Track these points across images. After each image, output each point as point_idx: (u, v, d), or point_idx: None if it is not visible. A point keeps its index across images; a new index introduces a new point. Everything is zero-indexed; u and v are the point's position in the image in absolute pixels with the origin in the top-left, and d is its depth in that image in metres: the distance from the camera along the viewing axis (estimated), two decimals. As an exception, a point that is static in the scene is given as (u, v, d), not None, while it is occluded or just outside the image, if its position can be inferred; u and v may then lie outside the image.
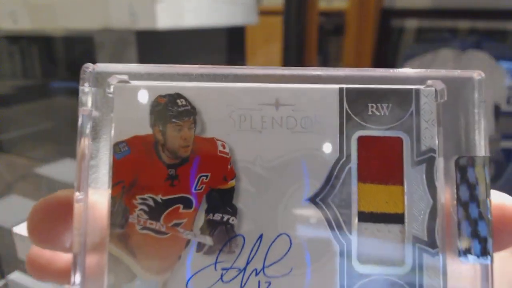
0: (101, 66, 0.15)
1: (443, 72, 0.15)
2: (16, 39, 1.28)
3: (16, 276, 0.67)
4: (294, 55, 1.42)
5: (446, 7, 1.65)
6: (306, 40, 1.43)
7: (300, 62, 1.44)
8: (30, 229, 0.14)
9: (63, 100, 1.32)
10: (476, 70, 0.15)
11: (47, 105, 1.31)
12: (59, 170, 0.95)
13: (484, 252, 0.14)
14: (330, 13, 1.78)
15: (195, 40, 1.14)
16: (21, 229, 0.67)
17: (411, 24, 1.74)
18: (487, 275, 0.15)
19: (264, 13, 1.48)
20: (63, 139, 1.22)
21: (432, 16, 1.70)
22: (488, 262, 0.14)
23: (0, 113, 1.24)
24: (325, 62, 1.91)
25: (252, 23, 1.28)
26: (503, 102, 1.51)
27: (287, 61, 1.43)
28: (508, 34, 1.60)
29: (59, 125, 1.28)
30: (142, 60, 0.97)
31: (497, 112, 1.54)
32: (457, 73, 0.15)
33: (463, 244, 0.14)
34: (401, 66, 1.81)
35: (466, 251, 0.14)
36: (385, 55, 1.78)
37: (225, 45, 1.28)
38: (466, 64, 1.57)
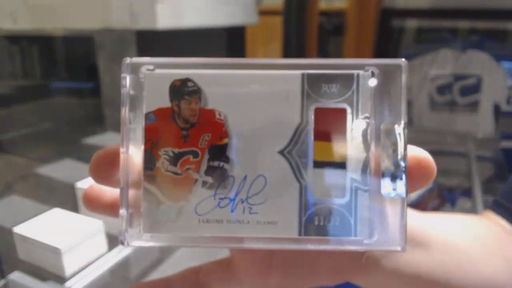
0: (134, 59, 0.21)
1: (377, 60, 0.20)
2: (16, 39, 1.29)
3: (16, 276, 0.67)
4: (294, 55, 1.42)
5: (446, 7, 1.65)
6: (306, 40, 1.43)
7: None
8: (92, 170, 0.20)
9: (63, 100, 1.32)
10: (402, 59, 0.20)
11: (47, 105, 1.32)
12: (59, 170, 0.95)
13: (400, 189, 0.20)
14: (330, 13, 1.78)
15: (195, 40, 1.14)
16: (21, 229, 0.68)
17: (411, 24, 1.74)
18: (402, 206, 0.20)
19: (264, 13, 1.48)
20: (63, 139, 1.22)
21: (432, 16, 1.70)
22: (403, 196, 0.19)
23: (0, 113, 1.24)
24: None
25: (252, 23, 1.28)
26: (503, 102, 1.51)
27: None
28: (508, 34, 1.60)
29: (59, 125, 1.28)
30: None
31: (497, 112, 1.54)
32: (388, 61, 0.20)
33: (385, 183, 0.20)
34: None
35: (387, 188, 0.20)
36: (385, 55, 1.78)
37: (225, 45, 1.28)
38: (466, 64, 1.57)
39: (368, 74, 0.20)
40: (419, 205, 1.11)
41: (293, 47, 1.40)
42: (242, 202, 0.20)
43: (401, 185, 0.20)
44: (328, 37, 1.83)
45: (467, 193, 1.46)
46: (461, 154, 1.47)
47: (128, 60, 0.20)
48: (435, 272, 0.27)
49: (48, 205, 0.77)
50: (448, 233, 0.29)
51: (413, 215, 0.27)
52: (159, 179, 0.20)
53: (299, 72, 0.20)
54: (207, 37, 1.17)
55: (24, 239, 0.67)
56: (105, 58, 1.02)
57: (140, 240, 0.20)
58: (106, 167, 0.20)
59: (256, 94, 0.20)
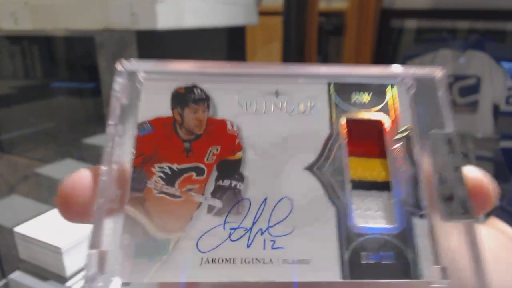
0: (132, 62, 0.18)
1: (414, 69, 0.18)
2: (17, 40, 1.29)
3: (17, 275, 0.68)
4: (294, 55, 1.42)
5: (446, 7, 1.64)
6: (306, 40, 1.43)
7: (300, 62, 1.44)
8: (60, 203, 0.15)
9: (63, 100, 1.32)
10: (440, 66, 0.18)
11: (48, 106, 1.32)
12: (60, 170, 0.96)
13: (465, 212, 0.15)
14: (330, 14, 1.78)
15: (196, 40, 1.14)
16: (22, 229, 0.68)
17: (411, 24, 1.74)
18: (471, 232, 0.15)
19: (264, 13, 1.48)
20: (64, 139, 1.23)
21: (431, 17, 1.70)
22: (471, 219, 0.15)
23: (1, 114, 1.24)
24: (324, 62, 1.91)
25: (252, 23, 1.28)
26: (502, 102, 1.51)
27: (287, 61, 1.42)
28: (507, 34, 1.60)
29: (59, 125, 1.28)
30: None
31: (496, 112, 1.54)
32: (426, 70, 0.18)
33: (444, 205, 0.16)
34: (401, 66, 1.80)
35: (448, 212, 0.16)
36: (385, 55, 1.78)
37: (226, 45, 1.29)
38: (465, 64, 1.57)
39: (405, 83, 0.18)
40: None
41: (293, 47, 1.40)
42: (262, 233, 0.16)
43: (465, 205, 0.15)
44: (327, 37, 1.83)
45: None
46: (460, 154, 1.47)
47: (124, 62, 0.18)
48: None
49: (49, 205, 0.77)
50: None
51: None
52: (149, 203, 0.16)
53: (325, 80, 0.18)
54: (208, 37, 1.17)
55: (25, 238, 0.67)
56: (106, 59, 1.02)
57: None
58: (79, 197, 0.15)
59: (275, 103, 0.17)
